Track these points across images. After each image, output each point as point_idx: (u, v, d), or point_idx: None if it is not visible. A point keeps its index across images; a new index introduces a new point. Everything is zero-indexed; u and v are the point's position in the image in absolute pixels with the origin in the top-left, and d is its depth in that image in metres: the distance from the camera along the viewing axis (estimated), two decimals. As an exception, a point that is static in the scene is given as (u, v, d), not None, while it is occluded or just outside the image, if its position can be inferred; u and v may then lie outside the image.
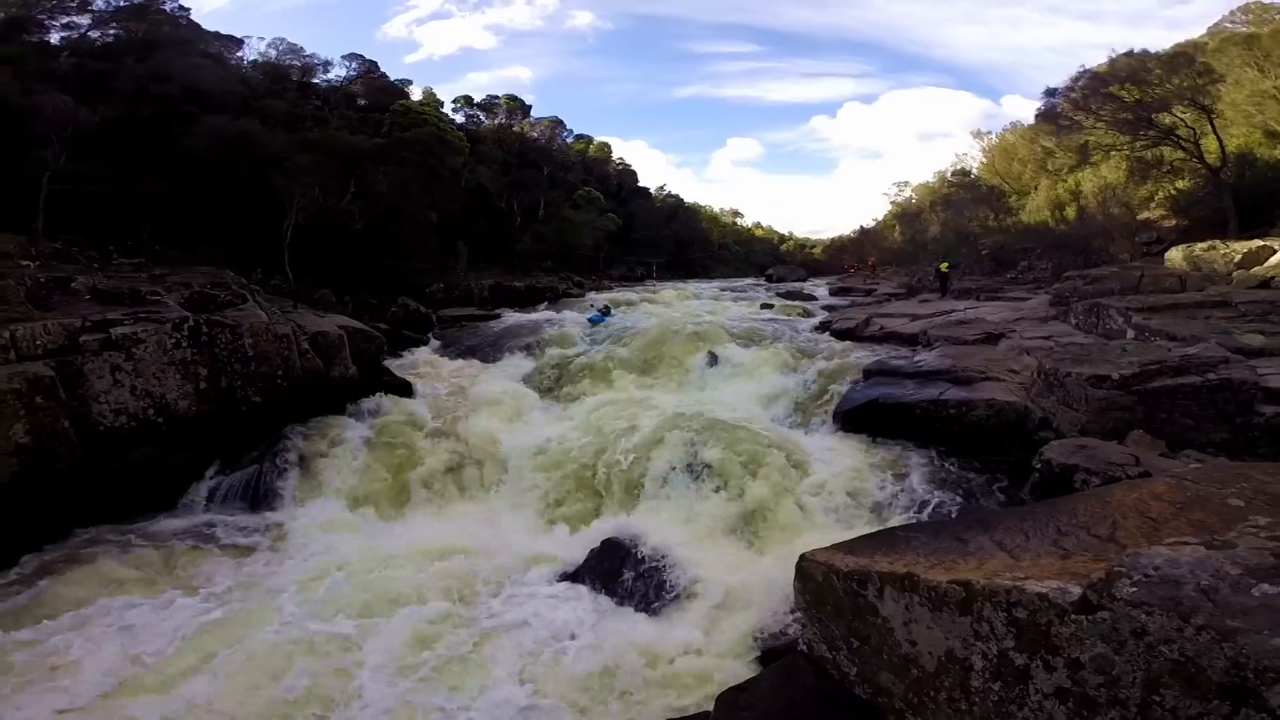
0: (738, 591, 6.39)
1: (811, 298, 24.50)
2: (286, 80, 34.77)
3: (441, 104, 40.12)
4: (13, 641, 5.95)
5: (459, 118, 41.60)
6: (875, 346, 12.75)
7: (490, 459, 10.07)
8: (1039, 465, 6.42)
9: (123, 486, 8.53)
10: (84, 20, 26.02)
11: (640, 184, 58.75)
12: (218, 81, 24.10)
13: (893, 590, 3.21)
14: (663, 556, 7.03)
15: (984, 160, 40.56)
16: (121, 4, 26.80)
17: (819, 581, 3.62)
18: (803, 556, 3.76)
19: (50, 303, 9.35)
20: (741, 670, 5.26)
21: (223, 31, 33.50)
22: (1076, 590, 2.53)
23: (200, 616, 6.37)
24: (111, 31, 26.06)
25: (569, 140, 51.18)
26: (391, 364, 13.17)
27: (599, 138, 56.91)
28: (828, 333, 14.52)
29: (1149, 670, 2.26)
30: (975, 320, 13.49)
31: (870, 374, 10.10)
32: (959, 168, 43.25)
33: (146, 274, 11.44)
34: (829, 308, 20.75)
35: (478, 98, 45.44)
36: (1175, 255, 16.22)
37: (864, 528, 6.81)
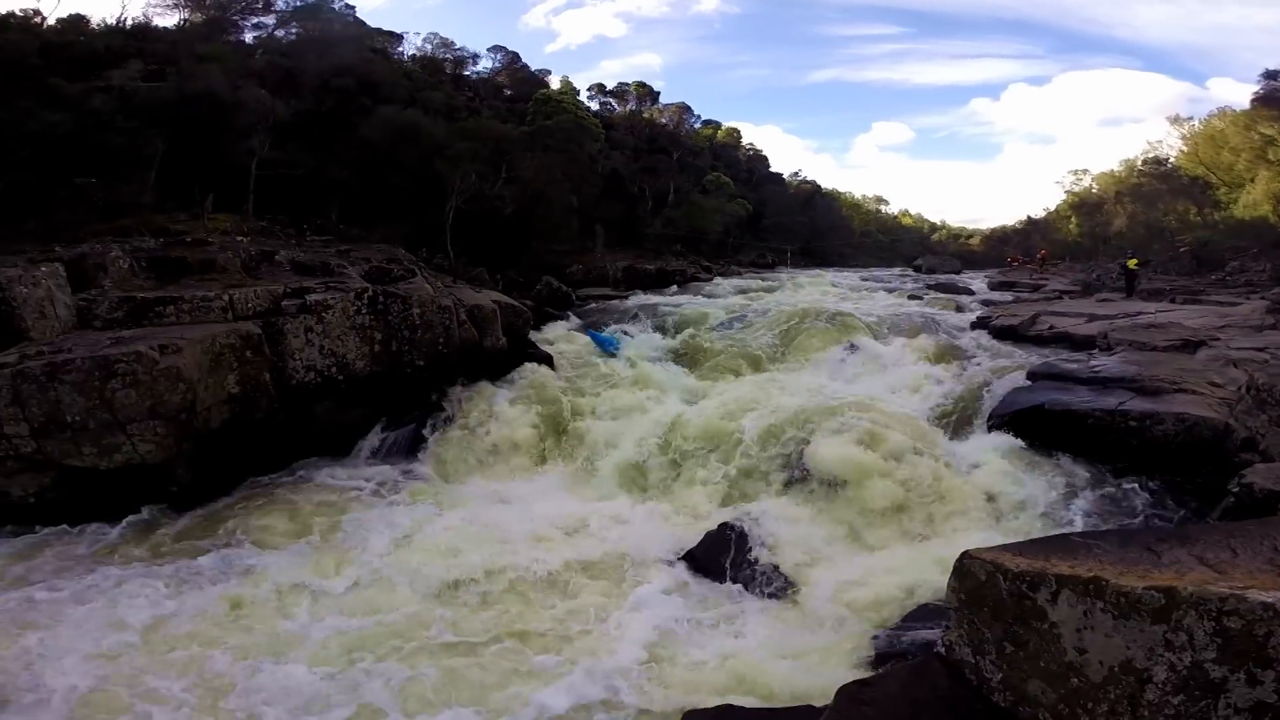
0: (854, 590, 6.23)
1: (967, 291, 22.73)
2: (441, 73, 37.22)
3: (577, 92, 41.47)
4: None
5: (593, 105, 42.74)
6: (1041, 348, 11.63)
7: (620, 434, 10.42)
8: (1237, 489, 5.62)
9: (306, 436, 9.78)
10: (270, 20, 29.34)
11: (772, 169, 57.43)
12: (386, 75, 26.39)
13: (1070, 594, 3.06)
14: (777, 547, 7.00)
15: (1184, 148, 35.41)
16: (298, 4, 29.89)
17: (980, 581, 3.46)
18: (965, 554, 3.61)
19: (259, 272, 10.85)
20: (848, 669, 5.16)
21: (384, 28, 36.49)
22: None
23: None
24: (293, 30, 29.08)
25: (697, 126, 51.06)
26: (535, 337, 13.92)
27: (728, 123, 56.29)
28: (985, 330, 13.42)
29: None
30: (1169, 325, 11.91)
31: (1035, 376, 9.28)
32: (1152, 156, 38.20)
33: (334, 249, 12.93)
34: (987, 302, 19.11)
35: (610, 85, 46.58)
36: None
37: (1009, 538, 6.35)
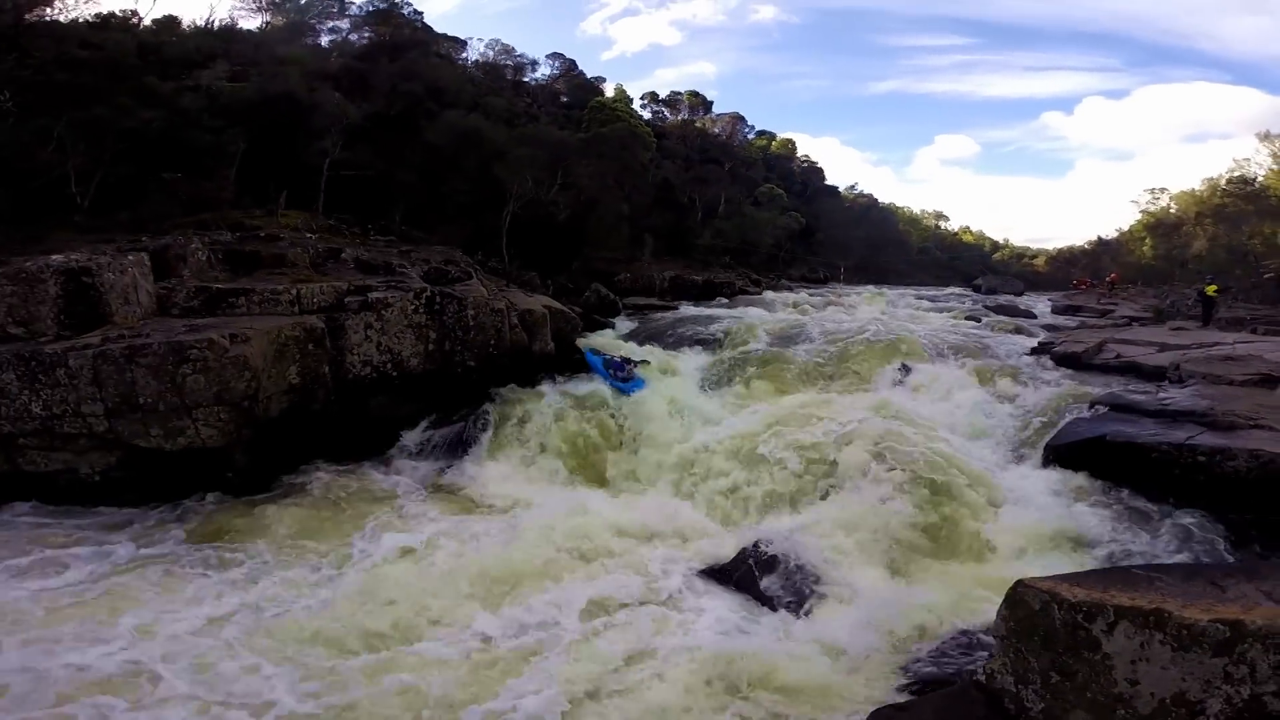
0: (890, 615, 6.07)
1: (1029, 314, 21.86)
2: (502, 79, 38.10)
3: (631, 100, 41.74)
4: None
5: (646, 113, 42.97)
6: (1107, 377, 11.12)
7: (664, 445, 10.43)
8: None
9: (358, 429, 10.12)
10: (344, 24, 30.67)
11: (827, 182, 56.69)
12: (451, 80, 27.20)
13: (1129, 626, 3.11)
14: (813, 567, 6.91)
15: (1274, 167, 33.38)
16: (371, 8, 31.11)
17: (1033, 610, 3.51)
18: (1019, 583, 3.63)
19: (325, 268, 11.35)
20: (876, 694, 5.05)
21: (449, 34, 37.61)
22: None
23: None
24: (366, 35, 30.31)
25: (750, 136, 50.79)
26: (581, 344, 14.08)
27: (784, 134, 55.80)
28: (1047, 356, 12.92)
29: None
30: (1248, 357, 11.20)
31: (1099, 406, 8.94)
32: (1238, 174, 35.93)
33: (396, 249, 13.43)
34: (1050, 327, 18.36)
35: (663, 94, 46.79)
36: None
37: (1059, 571, 6.17)
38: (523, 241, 18.70)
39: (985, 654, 5.08)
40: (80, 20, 18.92)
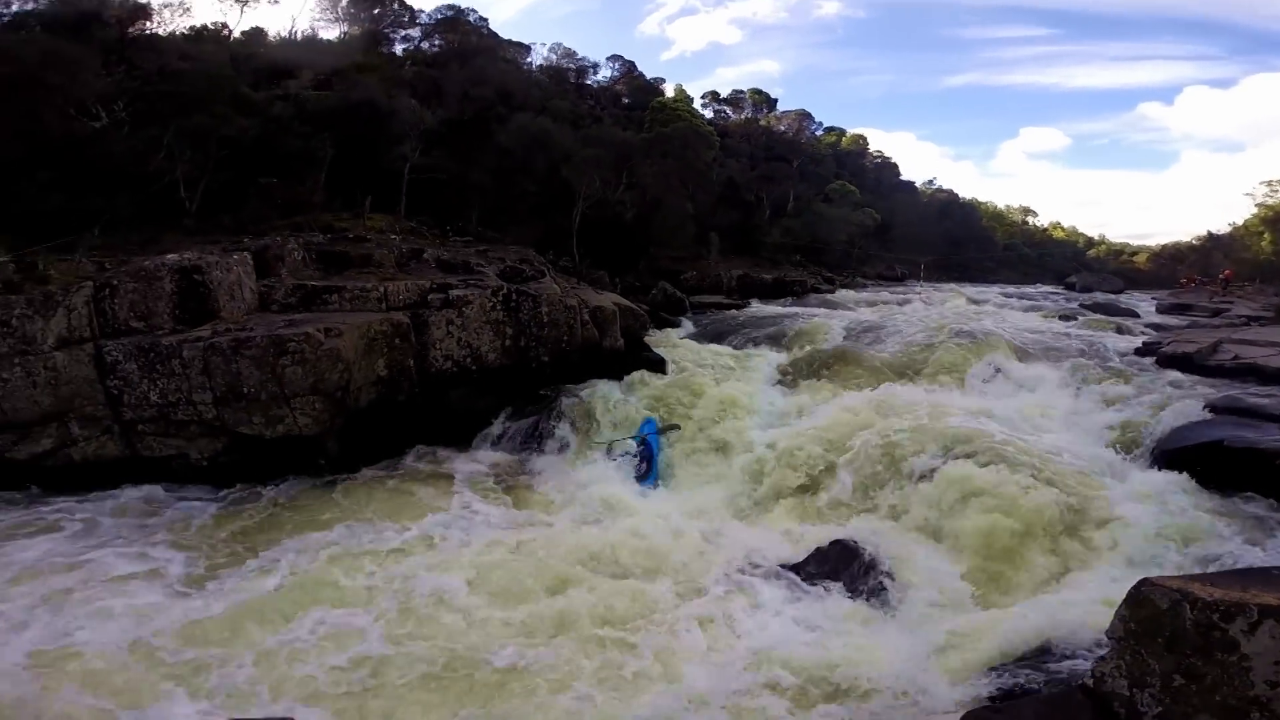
0: (972, 621, 5.86)
1: (1130, 313, 20.60)
2: (566, 82, 38.58)
3: (691, 100, 41.53)
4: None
5: (707, 113, 42.66)
6: (1222, 380, 10.40)
7: (733, 443, 10.36)
8: None
9: (442, 420, 10.51)
10: (415, 33, 31.71)
11: (903, 178, 54.96)
12: (519, 85, 27.82)
13: (1275, 625, 2.99)
14: (890, 569, 6.74)
15: (1405, 157, 30.04)
16: (439, 17, 32.08)
17: (1160, 610, 3.36)
18: (1144, 581, 3.50)
19: (409, 267, 11.86)
20: (964, 697, 4.86)
21: (513, 39, 38.41)
22: None
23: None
24: (436, 43, 31.27)
25: (818, 133, 49.61)
26: (649, 341, 14.17)
27: (854, 130, 54.30)
28: (1152, 357, 12.17)
29: None
30: (1381, 360, 10.27)
31: (1216, 410, 8.42)
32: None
33: (474, 249, 13.89)
34: (1155, 326, 17.30)
35: (724, 93, 46.22)
36: None
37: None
38: (591, 241, 18.99)
39: (1079, 661, 4.92)
40: (177, 33, 20.46)
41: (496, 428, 10.89)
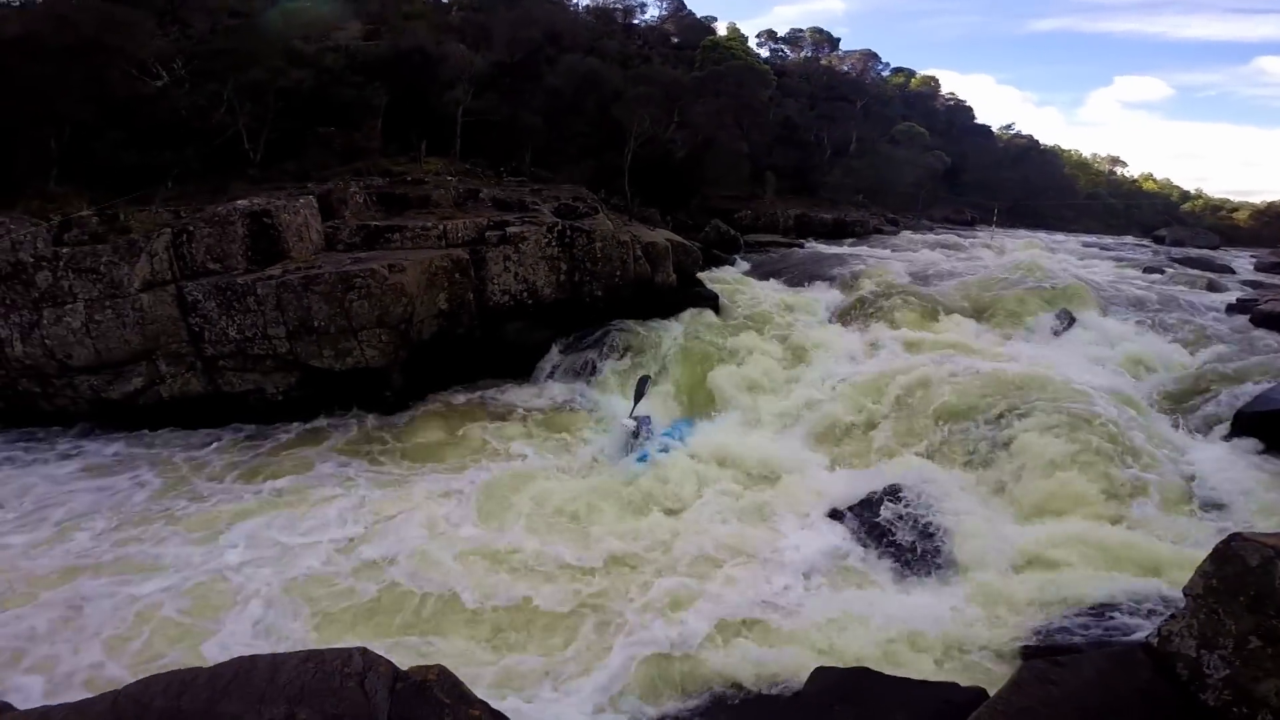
0: (1027, 578, 5.60)
1: (1226, 270, 19.15)
2: (614, 22, 37.51)
3: (745, 39, 39.90)
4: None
5: (763, 52, 41.12)
6: None
7: (789, 381, 10.19)
8: None
9: (498, 353, 10.72)
10: (458, -24, 31.04)
11: (979, 121, 51.78)
12: (566, 25, 27.15)
13: None
14: (941, 524, 6.43)
15: None
16: None
17: (1249, 566, 3.17)
18: (1234, 536, 3.32)
19: (465, 207, 11.98)
20: (1001, 653, 4.81)
21: (559, -20, 37.24)
22: None
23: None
24: (481, -16, 30.59)
25: (884, 74, 47.11)
26: (703, 277, 13.96)
27: (926, 71, 51.29)
28: (1245, 315, 11.34)
29: None
30: None
31: None
32: None
33: (528, 189, 13.90)
34: (1251, 284, 16.06)
35: (783, 31, 44.31)
36: None
37: None
38: (642, 180, 18.73)
39: (1171, 613, 4.66)
40: None
41: (551, 362, 11.03)
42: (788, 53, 44.08)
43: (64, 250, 9.21)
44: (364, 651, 3.46)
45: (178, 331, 9.34)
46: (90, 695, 3.38)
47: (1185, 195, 61.55)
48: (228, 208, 9.99)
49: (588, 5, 38.65)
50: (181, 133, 13.13)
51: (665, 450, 8.23)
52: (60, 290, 9.04)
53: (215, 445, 8.89)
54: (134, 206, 10.88)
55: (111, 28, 12.79)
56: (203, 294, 9.29)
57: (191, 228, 9.57)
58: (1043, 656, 4.13)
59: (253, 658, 3.53)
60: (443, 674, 3.47)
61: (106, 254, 9.28)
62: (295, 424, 9.43)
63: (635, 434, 8.59)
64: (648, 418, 9.01)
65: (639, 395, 9.34)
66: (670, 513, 7.10)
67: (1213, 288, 14.95)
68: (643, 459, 8.11)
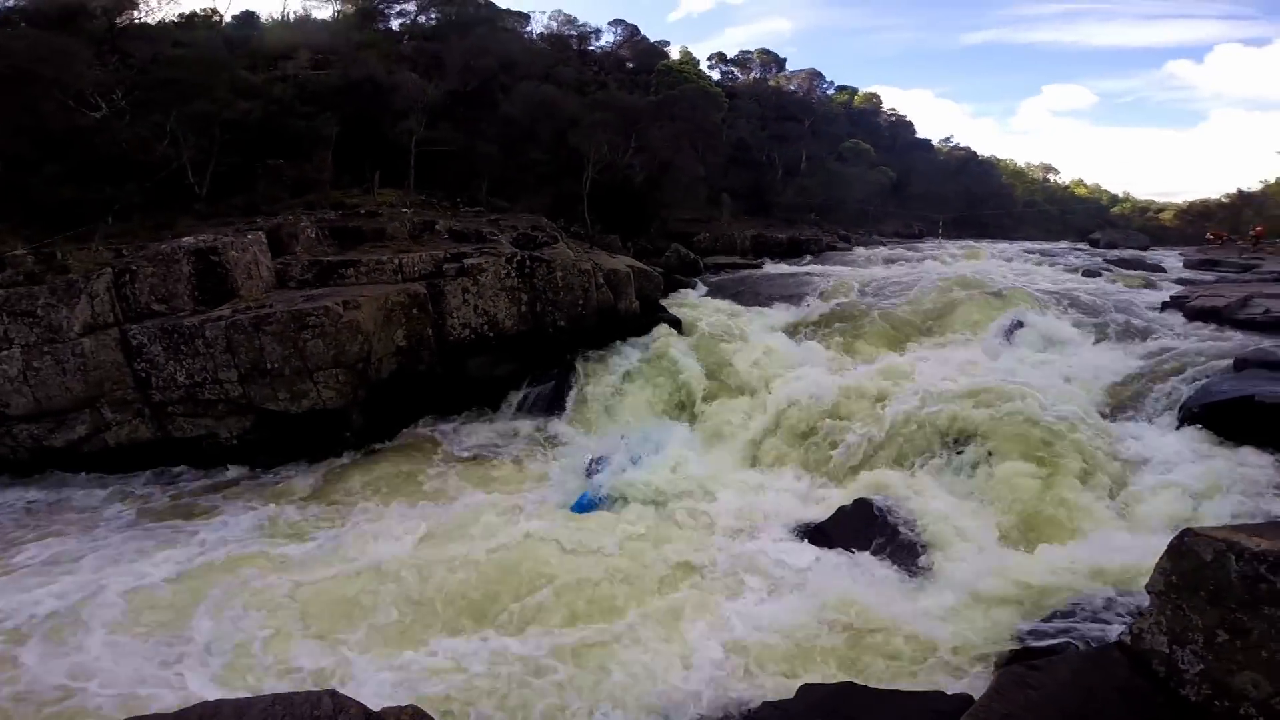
0: (997, 581, 5.72)
1: (1157, 268, 20.10)
2: (568, 49, 37.83)
3: (698, 62, 41.05)
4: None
5: (715, 75, 42.27)
6: (1252, 334, 10.13)
7: (752, 403, 10.29)
8: None
9: (459, 389, 10.57)
10: (411, 6, 31.02)
11: (920, 135, 53.75)
12: (520, 53, 27.29)
13: None
14: (915, 530, 6.63)
15: None
16: None
17: (1204, 562, 3.25)
18: (1187, 531, 3.39)
19: (422, 239, 11.83)
20: (982, 657, 4.88)
21: (512, 8, 37.57)
22: None
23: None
24: (433, 16, 30.59)
25: (830, 92, 48.90)
26: (665, 302, 14.06)
27: (870, 88, 53.39)
28: (1179, 310, 11.90)
29: None
30: None
31: (1245, 364, 8.17)
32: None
33: (485, 219, 13.81)
34: (1183, 281, 16.79)
35: (732, 54, 45.80)
36: None
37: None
38: (602, 206, 18.80)
39: (1112, 624, 4.77)
40: (167, 21, 20.23)
41: (518, 395, 10.94)
42: (738, 74, 45.36)
43: (-3, 293, 8.78)
44: (333, 694, 3.38)
45: (123, 377, 8.97)
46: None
47: (1114, 199, 65.10)
48: (172, 245, 9.69)
49: (542, 33, 38.96)
50: (122, 166, 12.68)
51: (603, 499, 7.92)
52: (-6, 335, 8.60)
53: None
54: (73, 245, 10.46)
55: (45, 57, 12.37)
56: (148, 337, 8.95)
57: (134, 267, 9.25)
58: (1020, 661, 4.23)
59: (217, 702, 3.43)
60: (417, 714, 3.40)
61: (43, 296, 8.88)
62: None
63: (589, 473, 8.53)
64: (603, 459, 8.78)
65: (590, 473, 8.69)
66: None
67: (1148, 286, 15.61)
68: (584, 505, 7.79)
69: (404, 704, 3.48)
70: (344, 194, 14.45)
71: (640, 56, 40.70)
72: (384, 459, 9.34)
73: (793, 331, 12.77)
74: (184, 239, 9.91)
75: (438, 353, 10.33)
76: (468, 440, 10.01)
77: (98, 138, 12.92)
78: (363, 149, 15.92)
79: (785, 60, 46.29)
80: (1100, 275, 17.67)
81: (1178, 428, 7.55)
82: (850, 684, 4.43)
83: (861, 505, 7.08)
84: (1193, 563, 3.24)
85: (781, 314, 13.88)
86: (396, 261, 10.43)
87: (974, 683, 4.58)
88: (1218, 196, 48.75)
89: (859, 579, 6.16)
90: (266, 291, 9.93)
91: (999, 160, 62.59)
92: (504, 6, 36.70)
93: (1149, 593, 3.50)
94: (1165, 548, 3.47)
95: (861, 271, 17.76)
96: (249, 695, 3.50)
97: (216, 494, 8.53)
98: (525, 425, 10.44)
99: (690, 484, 8.16)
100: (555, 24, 41.04)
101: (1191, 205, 53.21)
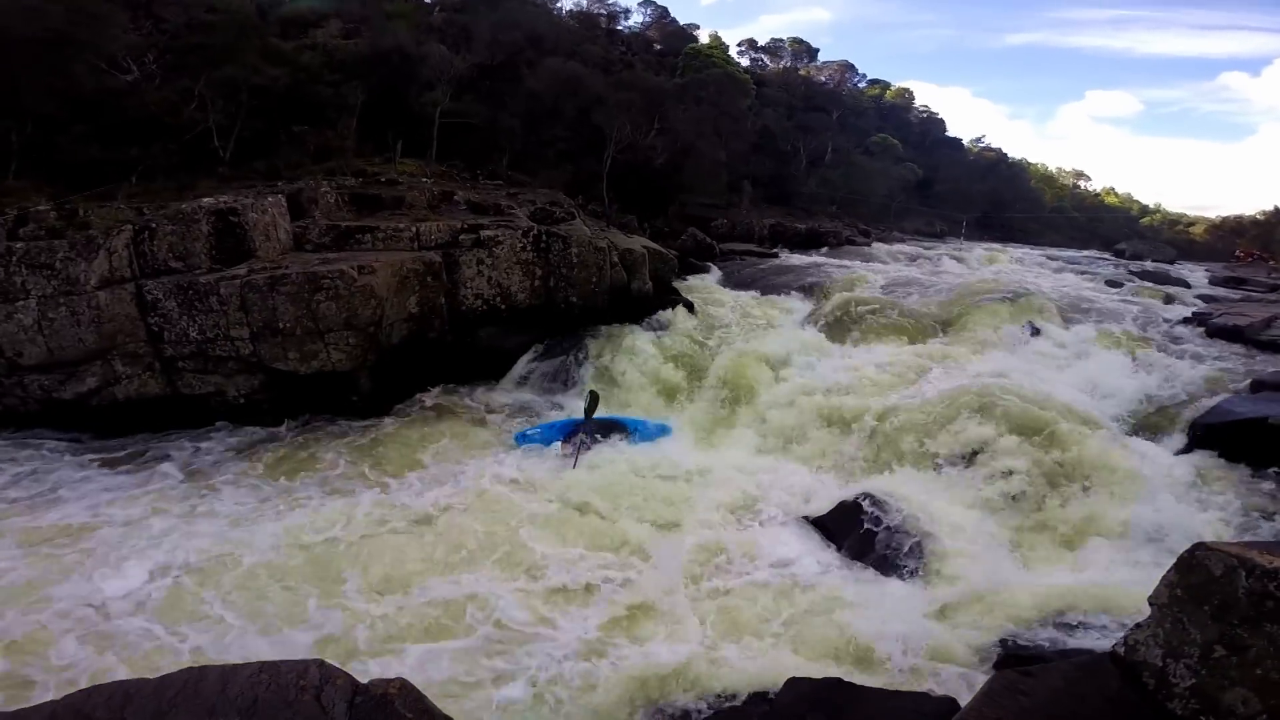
0: (994, 589, 5.63)
1: (1181, 283, 19.65)
2: (596, 27, 37.59)
3: (726, 47, 40.53)
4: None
5: (744, 61, 41.71)
6: (1275, 355, 9.91)
7: (756, 390, 10.20)
8: None
9: (469, 358, 10.60)
10: (442, -24, 30.86)
11: (950, 134, 52.88)
12: (548, 29, 27.11)
13: None
14: (913, 532, 6.48)
15: None
16: None
17: (1213, 576, 3.20)
18: (1199, 545, 3.34)
19: (440, 209, 11.86)
20: (971, 662, 4.86)
21: (543, -17, 37.21)
22: None
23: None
24: (464, -15, 30.43)
25: (861, 85, 48.13)
26: (678, 285, 14.00)
27: (903, 83, 52.43)
28: (1200, 327, 11.65)
29: None
30: None
31: (1262, 386, 8.05)
32: None
33: (504, 192, 13.83)
34: (1206, 298, 16.46)
35: (764, 40, 45.30)
36: None
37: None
38: (621, 186, 18.76)
39: (1109, 636, 4.69)
40: None
41: (523, 367, 10.92)
42: (767, 62, 44.78)
43: (18, 245, 8.89)
44: (321, 664, 3.36)
45: (135, 330, 9.07)
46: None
47: (1145, 209, 63.81)
48: (192, 205, 9.76)
49: (571, 10, 38.70)
50: (150, 128, 12.81)
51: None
52: (12, 286, 8.72)
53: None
54: (95, 202, 10.56)
55: (82, 21, 12.44)
56: (163, 292, 9.04)
57: (154, 225, 9.32)
58: (1012, 666, 4.18)
59: (203, 668, 3.41)
60: (404, 687, 3.37)
61: (63, 250, 8.97)
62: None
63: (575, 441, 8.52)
64: (590, 426, 8.80)
65: (589, 411, 9.09)
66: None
67: (1170, 300, 15.30)
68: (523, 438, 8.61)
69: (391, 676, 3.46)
70: (366, 162, 14.50)
71: (668, 39, 40.41)
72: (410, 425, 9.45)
73: (805, 321, 12.67)
74: (204, 199, 9.98)
75: (449, 321, 10.38)
76: (475, 410, 10.03)
77: (127, 100, 13.06)
78: (386, 118, 15.95)
79: (818, 51, 45.65)
80: (1123, 286, 17.40)
81: (1187, 449, 7.41)
82: (838, 680, 4.38)
83: (863, 500, 6.99)
84: (1201, 576, 3.20)
85: (795, 303, 13.79)
86: (414, 230, 10.46)
87: (959, 686, 4.54)
88: (1253, 213, 47.70)
89: (852, 574, 6.15)
90: (283, 254, 9.99)
91: (1030, 164, 61.54)
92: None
93: (1151, 604, 3.45)
94: (1175, 561, 3.41)
95: (878, 267, 17.63)
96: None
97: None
98: (534, 397, 10.44)
99: (689, 465, 8.17)
100: (585, 2, 40.77)
101: (1224, 220, 52.14)
